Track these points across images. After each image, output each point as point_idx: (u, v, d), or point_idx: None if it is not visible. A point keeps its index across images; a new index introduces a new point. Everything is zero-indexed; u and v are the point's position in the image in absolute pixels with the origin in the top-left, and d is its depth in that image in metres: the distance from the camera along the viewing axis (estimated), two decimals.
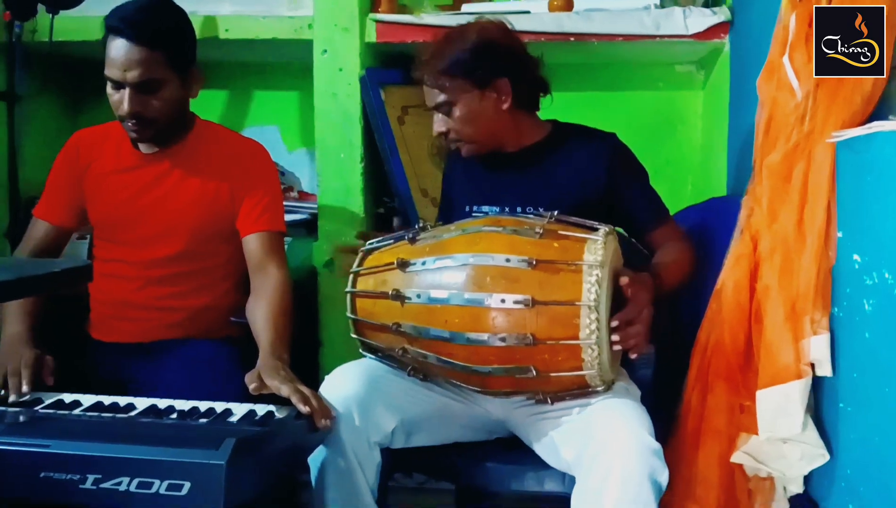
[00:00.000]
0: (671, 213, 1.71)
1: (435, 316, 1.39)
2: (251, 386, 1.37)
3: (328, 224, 2.17)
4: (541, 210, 1.49)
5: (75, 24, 2.15)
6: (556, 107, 1.74)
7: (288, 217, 1.83)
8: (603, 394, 1.42)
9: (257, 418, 1.33)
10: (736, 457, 1.37)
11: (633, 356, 1.41)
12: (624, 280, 1.40)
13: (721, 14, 2.06)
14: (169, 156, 1.71)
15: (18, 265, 1.43)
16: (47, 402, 1.39)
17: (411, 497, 2.25)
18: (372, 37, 2.16)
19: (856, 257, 1.18)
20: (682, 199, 2.32)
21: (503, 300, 1.34)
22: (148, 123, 1.62)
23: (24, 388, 1.44)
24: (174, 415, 1.33)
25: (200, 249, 1.73)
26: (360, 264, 1.52)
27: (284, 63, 2.54)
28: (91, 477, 1.10)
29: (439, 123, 1.65)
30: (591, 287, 1.31)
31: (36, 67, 2.29)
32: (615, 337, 1.36)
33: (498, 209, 1.64)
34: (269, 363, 1.45)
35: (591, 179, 1.62)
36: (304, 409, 1.32)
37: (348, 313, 1.50)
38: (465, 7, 2.23)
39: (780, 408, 1.27)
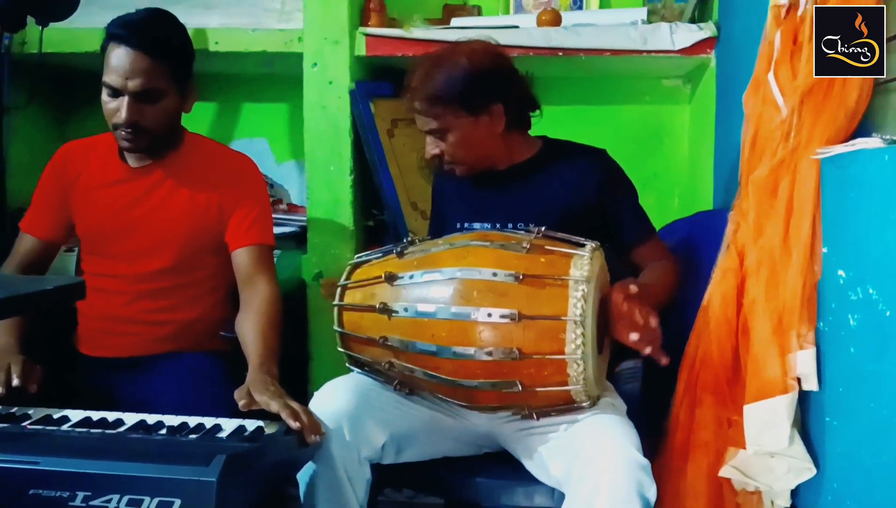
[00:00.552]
0: (658, 227, 1.72)
1: (422, 330, 1.39)
2: (241, 403, 1.36)
3: (317, 237, 2.17)
4: (530, 226, 1.49)
5: (65, 36, 2.15)
6: (544, 120, 1.74)
7: (277, 230, 1.83)
8: (588, 410, 1.42)
9: (247, 433, 1.32)
10: (724, 471, 1.37)
11: (647, 352, 1.41)
12: (633, 288, 1.42)
13: (707, 30, 2.08)
14: (158, 169, 1.70)
15: (9, 283, 1.42)
16: (35, 418, 1.38)
17: None
18: (362, 50, 2.18)
19: (840, 272, 1.20)
20: (668, 212, 2.34)
21: (490, 314, 1.34)
22: (143, 133, 1.61)
23: (14, 382, 1.43)
24: (164, 431, 1.33)
25: (189, 262, 1.72)
26: (347, 278, 1.52)
27: (274, 76, 2.54)
28: (80, 494, 1.09)
29: (432, 146, 1.64)
30: (577, 302, 1.32)
31: (25, 79, 2.28)
32: (634, 336, 1.37)
33: (489, 226, 1.64)
34: (259, 379, 1.44)
35: (580, 196, 1.63)
36: (293, 425, 1.31)
37: (335, 327, 1.50)
38: (455, 21, 2.25)
39: (767, 422, 1.28)
